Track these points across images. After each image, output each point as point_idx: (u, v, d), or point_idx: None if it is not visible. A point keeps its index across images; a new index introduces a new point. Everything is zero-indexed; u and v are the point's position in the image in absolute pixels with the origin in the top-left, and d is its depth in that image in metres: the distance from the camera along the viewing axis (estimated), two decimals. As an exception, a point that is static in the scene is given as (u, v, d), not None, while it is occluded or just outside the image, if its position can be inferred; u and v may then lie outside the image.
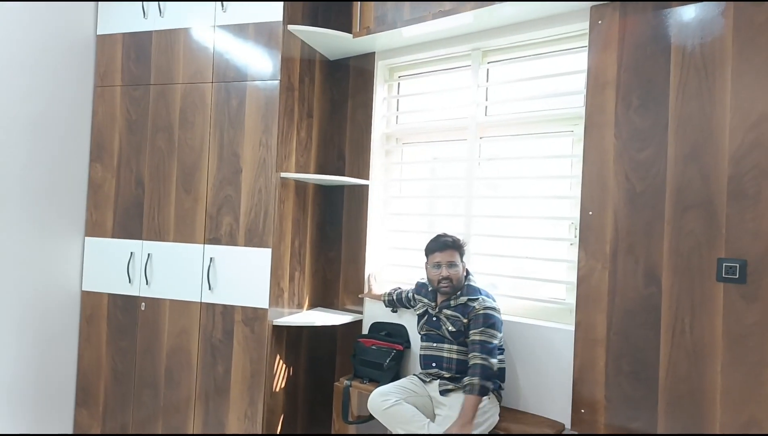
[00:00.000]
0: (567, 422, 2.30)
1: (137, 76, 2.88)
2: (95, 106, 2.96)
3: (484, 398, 2.21)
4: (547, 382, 2.38)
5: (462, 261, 2.42)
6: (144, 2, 2.85)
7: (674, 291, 2.05)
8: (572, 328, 2.31)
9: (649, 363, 2.10)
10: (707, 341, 1.98)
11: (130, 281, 2.85)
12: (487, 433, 2.22)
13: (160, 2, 2.82)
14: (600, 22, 2.26)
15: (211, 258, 2.71)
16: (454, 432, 2.12)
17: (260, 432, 2.61)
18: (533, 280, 2.57)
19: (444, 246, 2.40)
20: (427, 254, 2.46)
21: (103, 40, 2.94)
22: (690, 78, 2.05)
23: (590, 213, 2.26)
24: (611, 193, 2.21)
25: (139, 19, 2.87)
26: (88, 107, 2.95)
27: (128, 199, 2.88)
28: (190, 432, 2.72)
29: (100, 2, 2.95)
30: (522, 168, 2.63)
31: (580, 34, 2.41)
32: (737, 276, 1.92)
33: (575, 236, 2.37)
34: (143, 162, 2.86)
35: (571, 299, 2.36)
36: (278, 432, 2.77)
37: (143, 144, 2.86)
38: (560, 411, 2.33)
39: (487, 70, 2.75)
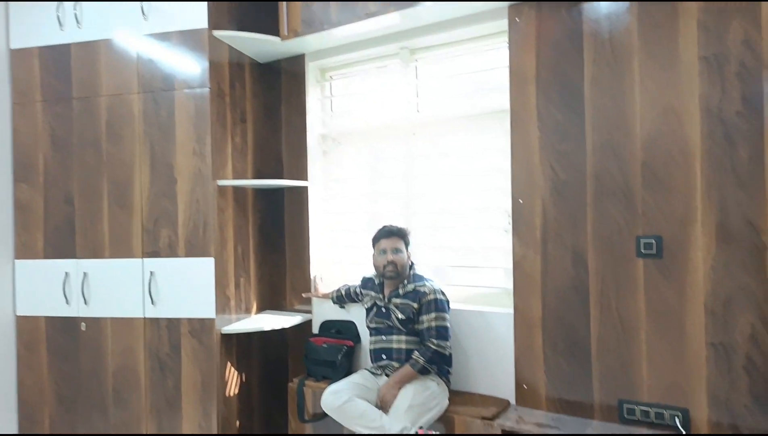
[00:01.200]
0: (512, 399, 2.44)
1: (58, 91, 2.76)
2: (15, 123, 2.82)
3: (432, 385, 2.32)
4: (491, 363, 2.51)
5: (407, 250, 2.52)
6: (59, 11, 2.72)
7: (599, 271, 2.21)
8: (511, 311, 2.44)
9: (581, 339, 2.26)
10: (632, 315, 2.15)
11: (67, 302, 2.76)
12: (438, 417, 2.33)
13: (76, 10, 2.71)
14: (518, 20, 2.37)
15: (151, 272, 2.67)
16: (381, 395, 2.30)
17: (216, 441, 2.62)
18: (474, 268, 2.69)
19: (389, 233, 2.51)
20: (373, 243, 2.56)
21: (18, 55, 2.80)
22: (602, 72, 2.19)
23: (520, 202, 2.39)
24: (538, 183, 2.34)
25: (55, 31, 2.75)
26: (6, 125, 2.81)
27: (58, 217, 2.78)
28: (144, 449, 2.69)
29: (11, 10, 2.79)
30: (456, 162, 2.72)
31: (502, 32, 2.50)
32: (654, 251, 2.10)
33: (509, 224, 2.50)
34: (72, 179, 2.75)
35: (509, 284, 2.49)
36: (236, 435, 2.79)
37: (70, 160, 2.75)
38: (505, 389, 2.47)
39: (416, 68, 2.81)
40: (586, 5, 2.22)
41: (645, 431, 2.09)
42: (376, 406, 2.32)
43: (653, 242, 2.10)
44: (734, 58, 1.94)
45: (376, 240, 2.56)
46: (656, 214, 2.10)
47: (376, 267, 2.56)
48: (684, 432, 2.02)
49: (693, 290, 2.03)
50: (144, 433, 2.69)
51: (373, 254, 2.57)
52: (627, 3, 2.13)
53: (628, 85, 2.14)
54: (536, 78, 2.33)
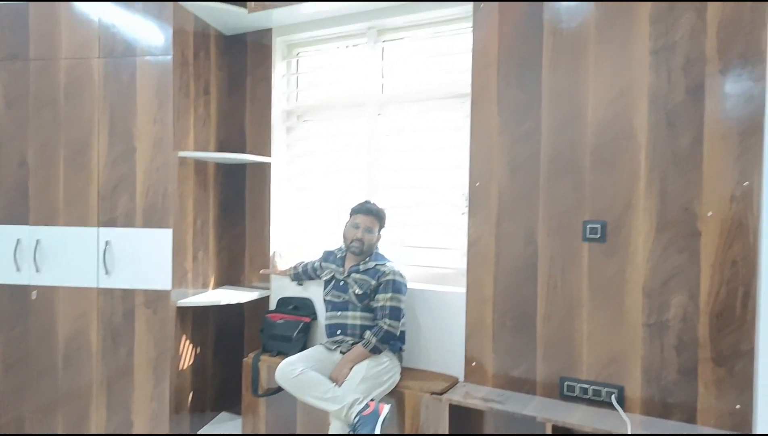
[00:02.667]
0: (461, 376, 2.52)
1: (14, 48, 2.68)
2: (-35, 81, 2.74)
3: (385, 360, 2.38)
4: (443, 341, 2.59)
5: (379, 232, 2.57)
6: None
7: (548, 251, 2.30)
8: (464, 291, 2.51)
9: (528, 316, 2.35)
10: (575, 294, 2.25)
11: (18, 269, 2.70)
12: (389, 392, 2.39)
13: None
14: (481, 6, 2.42)
15: (106, 241, 2.64)
16: (334, 374, 2.34)
17: (168, 411, 2.61)
18: (430, 248, 2.75)
19: (368, 211, 2.55)
20: (351, 214, 2.59)
21: (-29, 9, 2.71)
22: (559, 58, 2.27)
23: (477, 184, 2.45)
24: (496, 163, 2.41)
25: (12, -14, 2.67)
26: (-44, 83, 2.72)
27: (10, 181, 2.71)
28: (95, 417, 2.67)
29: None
30: (417, 141, 2.77)
31: (467, 17, 2.55)
32: (599, 236, 2.19)
33: (466, 206, 2.56)
34: (26, 142, 2.69)
35: (464, 265, 2.56)
36: (188, 407, 2.79)
37: (25, 122, 2.68)
38: (455, 366, 2.55)
39: (383, 48, 2.84)
40: (545, -9, 2.29)
41: (584, 407, 2.19)
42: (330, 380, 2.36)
43: (598, 226, 2.19)
44: (680, 52, 2.04)
45: (354, 212, 2.58)
46: (602, 197, 2.19)
47: (344, 236, 2.58)
48: (619, 409, 2.12)
49: (633, 272, 2.13)
50: (93, 403, 2.67)
51: (347, 223, 2.59)
52: (585, -7, 2.21)
53: (582, 73, 2.22)
54: (497, 62, 2.39)
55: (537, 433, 2.15)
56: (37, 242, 2.68)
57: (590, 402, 2.21)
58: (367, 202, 2.60)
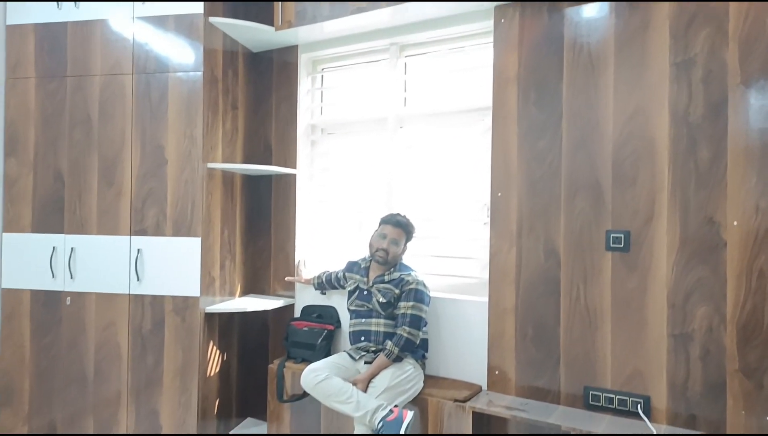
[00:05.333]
0: (484, 384, 2.54)
1: (52, 69, 2.80)
2: (7, 99, 2.85)
3: (408, 368, 2.42)
4: (465, 350, 2.61)
5: (405, 244, 2.61)
6: (56, -8, 2.78)
7: (569, 263, 2.32)
8: (486, 300, 2.54)
9: (550, 328, 2.37)
10: (597, 306, 2.26)
11: (53, 276, 2.80)
12: (412, 399, 2.42)
13: (74, -9, 2.76)
14: (503, 21, 2.48)
15: (138, 249, 2.72)
16: (358, 382, 2.36)
17: (196, 417, 2.67)
18: (452, 258, 2.79)
19: (397, 224, 2.59)
20: (380, 223, 2.64)
21: (13, 31, 2.84)
22: (579, 74, 2.31)
23: (499, 195, 2.49)
24: (515, 178, 2.45)
25: (52, 9, 2.79)
26: (-1, 100, 2.85)
27: (47, 193, 2.82)
28: (124, 424, 2.74)
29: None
30: (439, 155, 2.82)
31: (488, 32, 2.61)
32: (622, 245, 2.21)
33: (487, 217, 2.59)
34: (62, 156, 2.80)
35: (485, 275, 2.59)
36: (215, 413, 2.84)
37: (60, 138, 2.80)
38: (477, 375, 2.56)
39: (405, 63, 2.91)
40: (567, 10, 2.33)
41: (609, 417, 2.20)
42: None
43: (621, 236, 2.21)
44: (701, 65, 2.07)
45: (383, 222, 2.62)
46: (624, 210, 2.21)
47: (370, 244, 2.62)
48: (646, 419, 2.12)
49: (656, 283, 2.14)
50: (125, 409, 2.74)
51: (374, 232, 2.63)
52: (606, 5, 2.25)
53: (602, 88, 2.26)
54: (517, 78, 2.44)
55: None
56: (72, 249, 2.78)
57: (615, 412, 2.21)
58: (397, 214, 2.64)
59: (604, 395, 2.24)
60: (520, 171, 2.43)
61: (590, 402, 2.27)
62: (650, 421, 2.12)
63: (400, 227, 2.59)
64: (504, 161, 2.47)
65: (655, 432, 2.02)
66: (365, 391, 2.35)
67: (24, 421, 2.83)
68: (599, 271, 2.26)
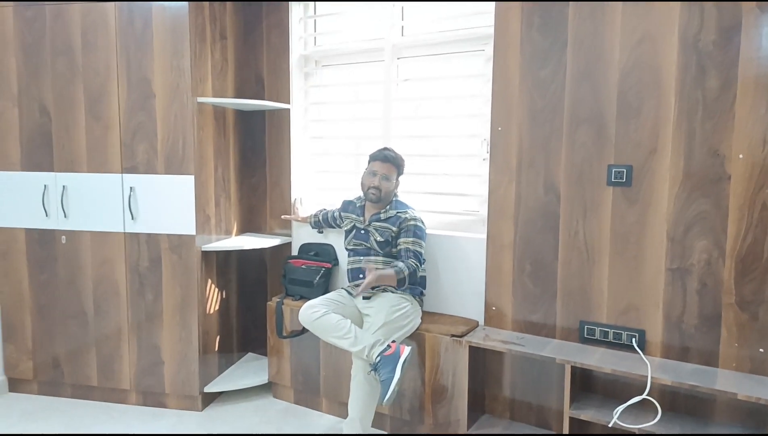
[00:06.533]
0: (481, 320, 2.56)
1: (28, -6, 2.65)
2: (-17, 28, 2.73)
3: (406, 304, 2.43)
4: (463, 286, 2.61)
5: (397, 179, 2.55)
6: None
7: (569, 198, 2.28)
8: (484, 236, 2.52)
9: (547, 263, 2.36)
10: (596, 241, 2.24)
11: (47, 215, 2.76)
12: (409, 334, 2.44)
13: None
14: (506, -59, 2.31)
15: (131, 187, 2.67)
16: (369, 270, 2.32)
17: (198, 352, 2.72)
18: (450, 195, 2.74)
19: (385, 159, 2.52)
20: (369, 160, 2.58)
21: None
22: (586, -3, 2.18)
23: (499, 129, 2.42)
24: (516, 110, 2.36)
25: (23, -70, 2.62)
26: (-25, 30, 2.71)
27: (33, 128, 2.73)
28: (127, 359, 2.78)
29: None
30: (438, 88, 2.72)
31: (489, -48, 2.45)
32: (624, 180, 2.16)
33: (486, 152, 2.53)
34: (45, 88, 2.69)
35: (484, 211, 2.55)
36: (216, 351, 2.89)
37: (43, 69, 2.68)
38: (475, 311, 2.58)
39: (402, -11, 2.75)
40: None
41: (603, 350, 2.22)
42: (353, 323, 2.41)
43: (624, 170, 2.15)
44: (716, -13, 1.94)
45: (372, 159, 2.56)
46: (627, 143, 2.15)
47: (362, 183, 2.57)
48: (640, 352, 2.14)
49: (656, 217, 2.11)
50: (126, 344, 2.78)
51: (365, 170, 2.58)
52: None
53: (610, 12, 2.13)
54: (521, 2, 2.30)
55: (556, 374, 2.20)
56: (64, 187, 2.73)
57: (610, 345, 2.24)
58: (384, 148, 2.57)
59: (599, 329, 2.26)
60: (521, 102, 2.34)
61: (585, 336, 2.29)
62: (644, 354, 2.15)
63: (388, 161, 2.52)
64: (505, 92, 2.38)
65: (648, 364, 2.04)
66: (371, 278, 2.29)
67: (29, 356, 2.88)
68: (599, 205, 2.22)
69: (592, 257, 2.25)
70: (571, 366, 2.11)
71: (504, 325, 2.49)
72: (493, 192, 2.46)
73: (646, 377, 1.98)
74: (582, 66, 2.20)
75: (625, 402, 2.08)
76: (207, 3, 2.69)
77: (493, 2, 2.37)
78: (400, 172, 2.57)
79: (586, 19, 2.18)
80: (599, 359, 2.13)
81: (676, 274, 2.09)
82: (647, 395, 2.02)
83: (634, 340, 2.18)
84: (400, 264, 2.39)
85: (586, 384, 2.28)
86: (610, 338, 2.24)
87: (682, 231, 2.07)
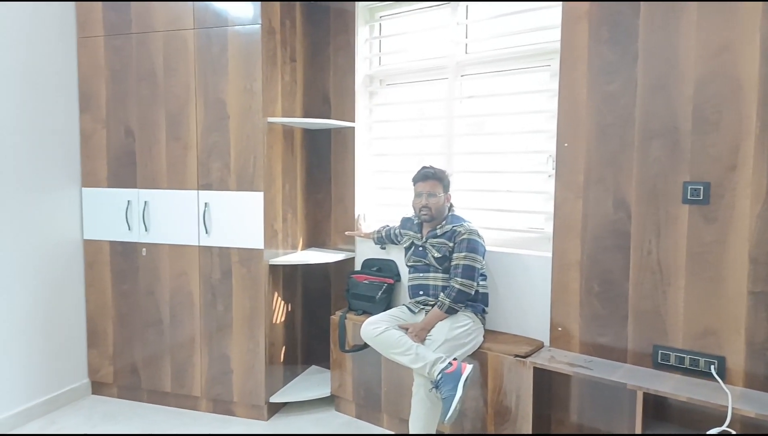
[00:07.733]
0: (546, 341, 2.49)
1: (117, 26, 2.88)
2: (79, 57, 2.97)
3: (467, 321, 2.40)
4: (527, 305, 2.56)
5: (444, 193, 2.55)
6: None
7: (641, 215, 2.19)
8: (550, 254, 2.46)
9: (617, 283, 2.26)
10: (671, 260, 2.13)
11: (129, 228, 2.96)
12: (471, 353, 2.41)
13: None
14: (573, -46, 2.29)
15: (206, 203, 2.82)
16: (411, 333, 2.38)
17: (264, 362, 2.80)
18: (514, 212, 2.71)
19: (425, 177, 2.53)
20: (413, 184, 2.60)
21: (81, -10, 2.94)
22: (657, 8, 2.10)
23: (565, 145, 2.37)
24: (583, 124, 2.31)
25: (114, -31, 2.86)
26: (72, 59, 2.97)
27: (119, 148, 2.95)
28: (199, 367, 2.91)
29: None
30: (502, 104, 2.70)
31: (555, -33, 2.43)
32: (701, 197, 2.05)
33: (552, 169, 2.48)
34: (131, 111, 2.91)
35: (549, 228, 2.50)
36: (281, 362, 2.97)
37: (129, 93, 2.90)
38: (539, 331, 2.52)
39: (467, 7, 2.77)
40: (646, -63, 2.12)
41: (677, 376, 2.10)
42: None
43: (701, 188, 2.05)
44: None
45: (414, 182, 2.58)
46: (704, 158, 2.04)
47: (413, 208, 2.60)
48: (719, 380, 2.01)
49: (737, 237, 1.99)
50: (199, 352, 2.91)
51: (413, 197, 2.60)
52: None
53: (684, 23, 2.05)
54: (588, 15, 2.26)
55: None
56: (146, 203, 2.92)
57: (686, 372, 2.11)
58: (423, 167, 2.56)
59: (674, 354, 2.14)
60: (588, 117, 2.29)
61: (659, 361, 2.18)
62: (724, 382, 2.01)
63: (429, 178, 2.52)
64: (572, 107, 2.33)
65: (729, 393, 1.91)
66: (419, 342, 2.36)
67: (110, 361, 3.08)
68: (673, 223, 2.12)
69: (667, 278, 2.15)
70: (644, 393, 2.01)
71: (571, 346, 2.41)
72: (559, 208, 2.40)
73: (727, 407, 1.86)
74: (654, 78, 2.13)
75: (703, 434, 1.95)
76: (278, 27, 2.81)
77: (560, 18, 2.34)
78: (445, 185, 2.55)
79: (657, 30, 2.11)
80: (674, 387, 2.01)
81: (759, 297, 1.96)
82: (727, 426, 1.88)
83: (713, 367, 2.05)
84: (441, 296, 2.41)
85: (660, 412, 2.16)
86: (687, 364, 2.11)
87: (767, 252, 1.93)
